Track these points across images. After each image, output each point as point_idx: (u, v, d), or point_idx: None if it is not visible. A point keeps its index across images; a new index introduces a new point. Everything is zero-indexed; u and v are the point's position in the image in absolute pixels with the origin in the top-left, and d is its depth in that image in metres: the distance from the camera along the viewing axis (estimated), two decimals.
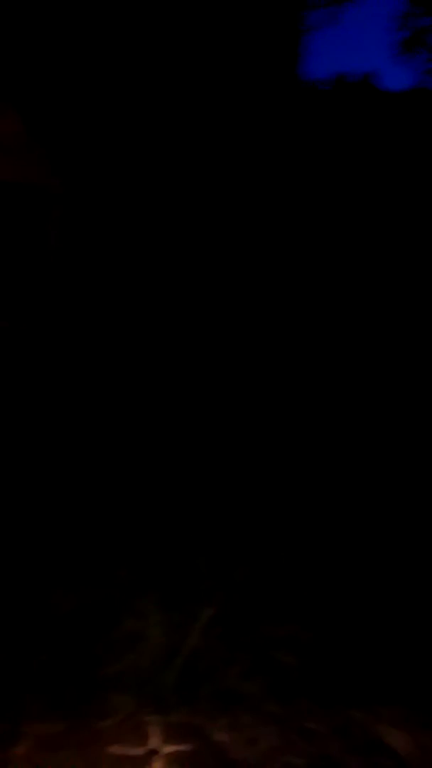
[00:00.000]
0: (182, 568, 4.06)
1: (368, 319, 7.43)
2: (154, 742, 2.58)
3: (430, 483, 5.69)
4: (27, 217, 3.97)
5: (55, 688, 2.86)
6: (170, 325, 4.97)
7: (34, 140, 3.62)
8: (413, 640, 3.39)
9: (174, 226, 4.48)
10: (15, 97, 3.49)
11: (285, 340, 6.70)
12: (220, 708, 2.80)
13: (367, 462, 6.10)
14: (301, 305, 6.99)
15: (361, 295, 7.49)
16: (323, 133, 7.69)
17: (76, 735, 2.58)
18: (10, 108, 3.55)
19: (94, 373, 4.54)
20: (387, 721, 2.79)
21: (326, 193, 7.60)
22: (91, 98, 3.82)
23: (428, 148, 7.76)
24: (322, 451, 6.20)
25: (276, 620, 3.53)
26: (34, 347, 4.27)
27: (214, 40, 5.27)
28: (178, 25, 4.82)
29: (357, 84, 8.00)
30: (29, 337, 4.34)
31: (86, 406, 4.82)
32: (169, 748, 2.54)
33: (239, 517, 4.88)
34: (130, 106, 4.08)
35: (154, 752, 2.52)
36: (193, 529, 4.61)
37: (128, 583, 3.84)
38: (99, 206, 4.10)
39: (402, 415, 6.88)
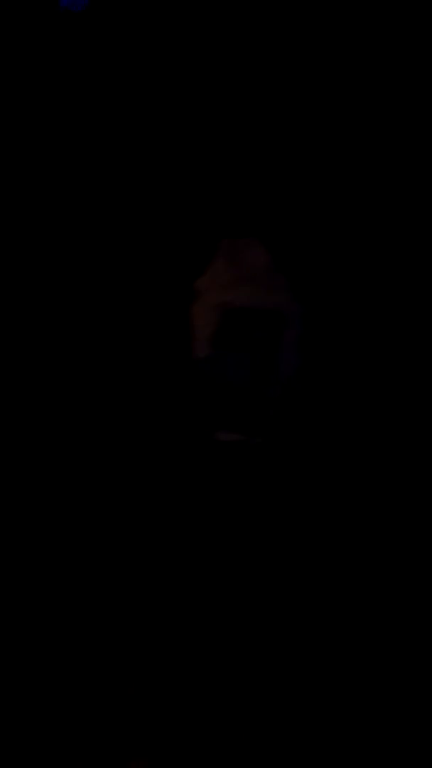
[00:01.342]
0: None
1: None
2: None
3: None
4: (259, 337, 4.10)
5: None
6: None
7: (277, 269, 3.75)
8: None
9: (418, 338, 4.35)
10: (262, 231, 3.66)
11: None
12: None
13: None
14: None
15: None
16: None
17: None
18: (257, 241, 3.72)
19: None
20: None
21: None
22: (334, 226, 3.92)
23: None
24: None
25: None
26: (274, 463, 4.28)
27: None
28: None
29: None
30: (268, 452, 4.37)
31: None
32: None
33: None
34: (364, 233, 4.14)
35: None
36: None
37: None
38: (336, 326, 4.11)
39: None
